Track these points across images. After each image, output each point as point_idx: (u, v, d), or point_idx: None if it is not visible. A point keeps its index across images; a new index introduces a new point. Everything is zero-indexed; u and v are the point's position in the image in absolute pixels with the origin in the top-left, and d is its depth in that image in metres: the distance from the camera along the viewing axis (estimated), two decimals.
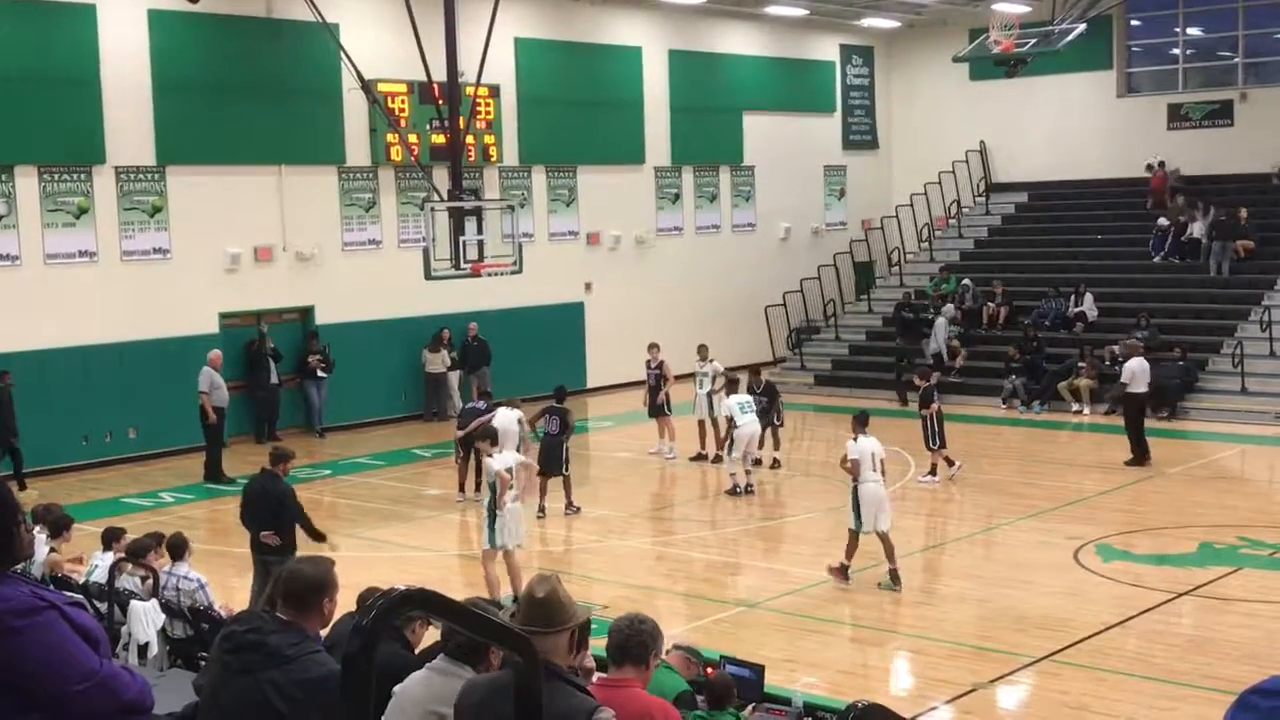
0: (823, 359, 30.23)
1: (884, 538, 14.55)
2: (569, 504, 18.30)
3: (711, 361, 21.68)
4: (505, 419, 17.92)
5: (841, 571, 14.63)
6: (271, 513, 13.09)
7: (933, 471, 19.77)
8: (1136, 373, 20.77)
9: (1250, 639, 12.45)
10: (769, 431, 20.87)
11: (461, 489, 19.13)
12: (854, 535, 14.57)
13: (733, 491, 19.16)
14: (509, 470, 13.94)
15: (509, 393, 20.41)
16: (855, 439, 14.83)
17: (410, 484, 20.80)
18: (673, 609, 14.24)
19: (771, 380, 22.16)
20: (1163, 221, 29.23)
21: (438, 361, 25.82)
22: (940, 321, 28.37)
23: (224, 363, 21.43)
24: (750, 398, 20.04)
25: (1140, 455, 20.58)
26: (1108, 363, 25.52)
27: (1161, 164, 31.00)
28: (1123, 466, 20.46)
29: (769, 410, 20.70)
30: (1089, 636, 12.59)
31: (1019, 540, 16.53)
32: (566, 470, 18.35)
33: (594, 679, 5.46)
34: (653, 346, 22.18)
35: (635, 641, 5.20)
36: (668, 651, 8.09)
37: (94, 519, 15.53)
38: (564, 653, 4.70)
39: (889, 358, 29.00)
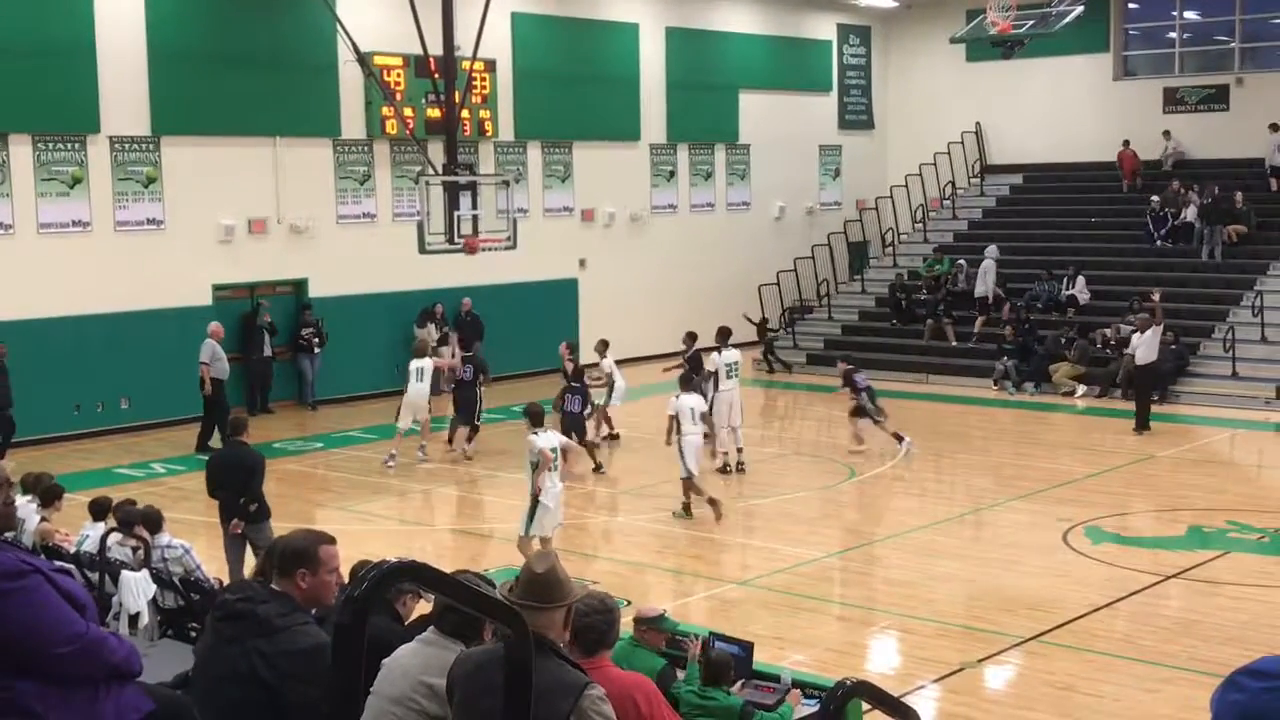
0: (815, 338, 30.23)
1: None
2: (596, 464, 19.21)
3: (607, 359, 21.43)
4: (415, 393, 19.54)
5: (686, 511, 16.53)
6: (244, 481, 12.93)
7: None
8: (1139, 344, 21.72)
9: (1238, 622, 12.51)
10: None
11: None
12: (687, 481, 16.49)
13: (723, 470, 19.15)
14: (553, 450, 13.56)
15: (502, 368, 20.43)
16: (678, 396, 16.89)
17: (402, 458, 20.78)
18: (661, 585, 14.28)
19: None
20: (1155, 199, 29.22)
21: (426, 336, 25.79)
22: (988, 264, 28.40)
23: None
24: (739, 358, 19.95)
25: (1141, 425, 21.57)
26: (1099, 345, 25.61)
27: (1126, 142, 31.34)
28: (1113, 448, 20.71)
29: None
30: (1077, 618, 12.64)
31: (1008, 521, 16.58)
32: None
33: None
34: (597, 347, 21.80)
35: (608, 626, 5.37)
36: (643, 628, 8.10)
37: (85, 489, 15.53)
38: (559, 629, 4.75)
39: (882, 338, 29.07)
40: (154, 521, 11.25)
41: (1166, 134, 31.28)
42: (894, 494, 18.56)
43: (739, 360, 19.93)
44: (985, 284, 28.33)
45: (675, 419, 16.63)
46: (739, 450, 19.24)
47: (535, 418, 13.98)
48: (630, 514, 17.55)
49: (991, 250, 28.72)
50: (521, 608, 4.31)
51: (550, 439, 13.74)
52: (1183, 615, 12.94)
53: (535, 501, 13.49)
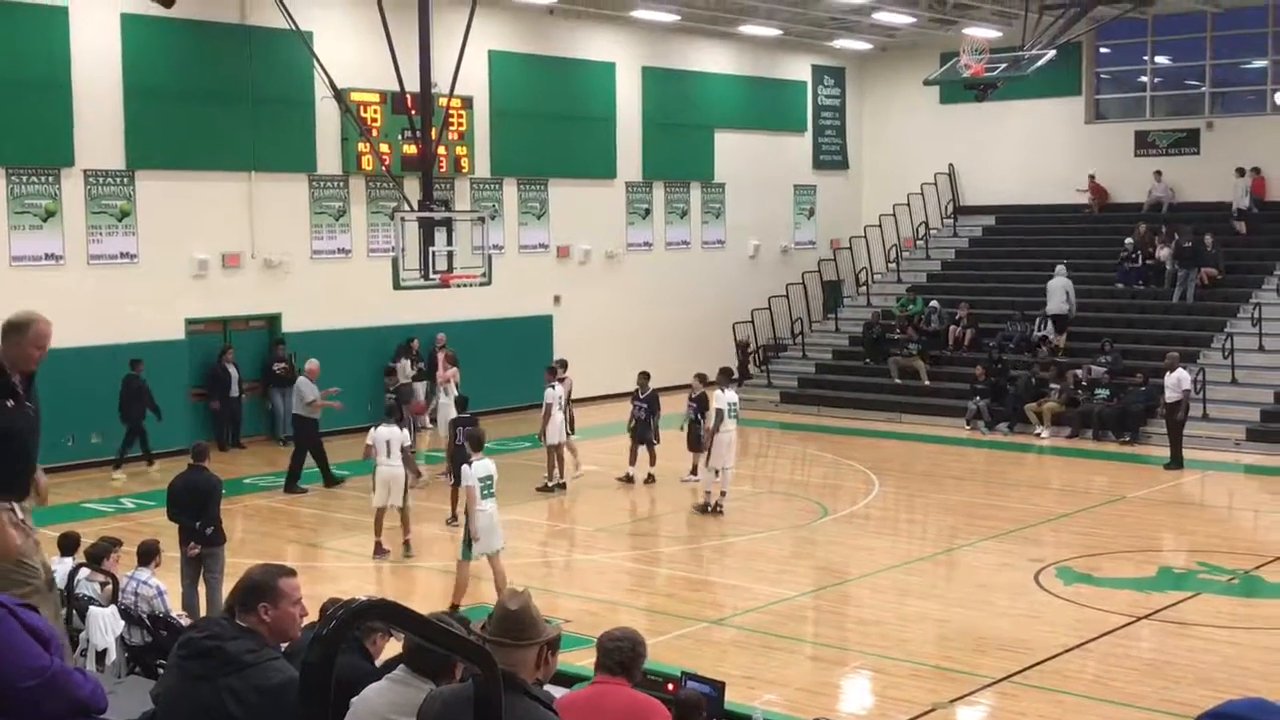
0: (789, 377, 30.29)
1: (401, 510, 16.65)
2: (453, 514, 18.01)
3: (563, 381, 21.23)
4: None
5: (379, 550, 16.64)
6: (200, 506, 13.34)
7: (694, 471, 20.70)
8: (1168, 385, 22.47)
9: (1208, 663, 12.54)
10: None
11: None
12: (388, 511, 16.63)
13: (703, 509, 19.05)
14: (491, 478, 14.28)
15: (476, 405, 20.33)
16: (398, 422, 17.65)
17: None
18: (635, 623, 14.19)
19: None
20: (1129, 241, 29.38)
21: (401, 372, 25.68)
22: (1059, 281, 28.18)
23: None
24: (737, 400, 19.83)
25: (1175, 461, 22.21)
26: (1072, 385, 25.71)
27: (1091, 176, 32.10)
28: (1084, 489, 20.90)
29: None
30: (1048, 659, 12.65)
31: (980, 561, 16.60)
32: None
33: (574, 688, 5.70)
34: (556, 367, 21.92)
35: (630, 655, 5.73)
36: None
37: (55, 524, 15.39)
38: (530, 668, 4.72)
39: (855, 376, 29.15)
40: (146, 555, 11.34)
41: (1158, 174, 31.44)
42: (866, 533, 18.55)
43: (737, 400, 19.86)
44: (1060, 302, 28.02)
45: (372, 447, 16.61)
46: (722, 494, 19.13)
47: (475, 443, 14.96)
48: (603, 552, 17.50)
49: (1061, 269, 28.50)
50: (493, 645, 4.30)
51: (482, 468, 14.30)
52: (1153, 657, 12.97)
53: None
